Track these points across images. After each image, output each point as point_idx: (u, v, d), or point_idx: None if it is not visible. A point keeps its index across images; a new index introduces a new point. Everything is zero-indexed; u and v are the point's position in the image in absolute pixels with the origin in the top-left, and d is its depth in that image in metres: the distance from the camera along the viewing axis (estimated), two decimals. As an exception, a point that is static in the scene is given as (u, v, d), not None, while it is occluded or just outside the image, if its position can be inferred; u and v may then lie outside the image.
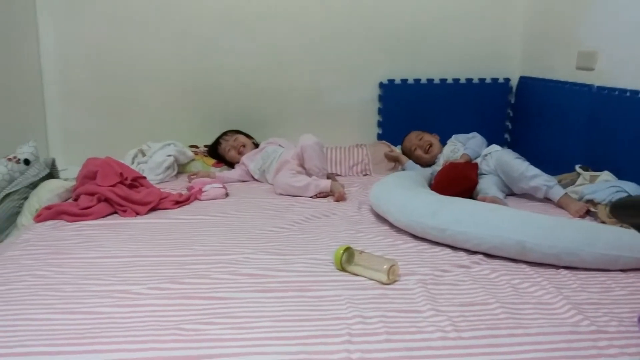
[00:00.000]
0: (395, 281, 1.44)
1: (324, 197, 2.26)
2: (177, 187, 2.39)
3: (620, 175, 2.10)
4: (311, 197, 2.25)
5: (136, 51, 2.77)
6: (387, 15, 2.85)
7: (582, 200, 2.04)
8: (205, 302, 1.31)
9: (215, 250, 1.66)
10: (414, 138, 2.67)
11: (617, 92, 2.13)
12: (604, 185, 2.00)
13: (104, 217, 1.99)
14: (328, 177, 2.40)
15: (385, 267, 1.43)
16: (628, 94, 2.07)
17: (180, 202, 2.14)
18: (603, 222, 1.87)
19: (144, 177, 2.26)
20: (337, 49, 2.87)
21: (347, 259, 1.51)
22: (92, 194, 2.03)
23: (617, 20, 2.18)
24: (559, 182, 2.31)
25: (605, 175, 2.14)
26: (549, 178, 2.15)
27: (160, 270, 1.51)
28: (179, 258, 1.60)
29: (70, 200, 2.11)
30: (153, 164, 2.51)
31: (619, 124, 2.11)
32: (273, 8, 2.79)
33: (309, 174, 2.36)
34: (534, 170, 2.15)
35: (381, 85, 2.92)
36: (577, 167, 2.31)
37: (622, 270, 1.52)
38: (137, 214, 2.02)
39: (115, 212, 2.03)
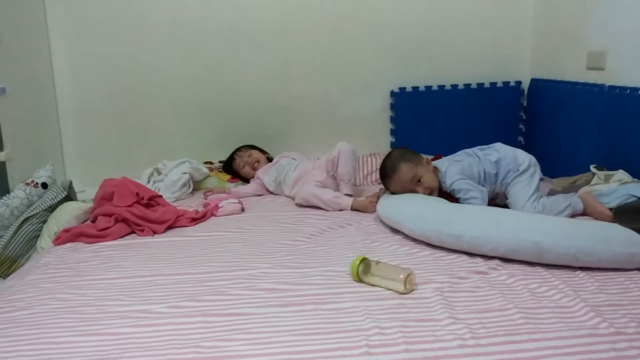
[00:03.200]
0: (412, 290, 1.45)
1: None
2: (193, 204, 2.42)
3: (635, 173, 2.08)
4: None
5: (148, 69, 2.83)
6: (396, 24, 2.87)
7: None
8: (225, 319, 1.33)
9: (232, 266, 1.68)
10: (408, 182, 2.05)
11: (628, 91, 2.12)
12: (616, 192, 1.98)
13: (122, 237, 2.02)
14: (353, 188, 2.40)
15: (401, 276, 1.44)
16: (640, 92, 2.06)
17: (196, 219, 2.17)
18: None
19: (160, 196, 2.30)
20: (346, 59, 2.89)
21: (363, 270, 1.52)
22: (109, 215, 2.06)
23: (625, 19, 2.17)
24: (574, 182, 2.30)
25: (620, 174, 2.13)
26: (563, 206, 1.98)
27: (179, 288, 1.53)
28: (197, 275, 1.62)
29: (88, 222, 2.15)
30: (169, 182, 2.55)
31: (632, 122, 2.10)
32: (281, 21, 2.82)
33: (339, 180, 2.35)
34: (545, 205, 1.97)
35: (393, 93, 2.93)
36: (592, 167, 2.29)
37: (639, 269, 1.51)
38: (155, 232, 2.05)
39: (133, 232, 2.06)
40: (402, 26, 2.87)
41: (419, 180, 2.01)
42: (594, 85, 2.35)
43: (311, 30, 2.85)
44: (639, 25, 2.08)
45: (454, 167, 2.04)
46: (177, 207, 2.25)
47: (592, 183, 2.21)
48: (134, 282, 1.59)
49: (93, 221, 2.12)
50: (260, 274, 1.60)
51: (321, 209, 2.27)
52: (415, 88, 2.93)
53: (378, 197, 2.21)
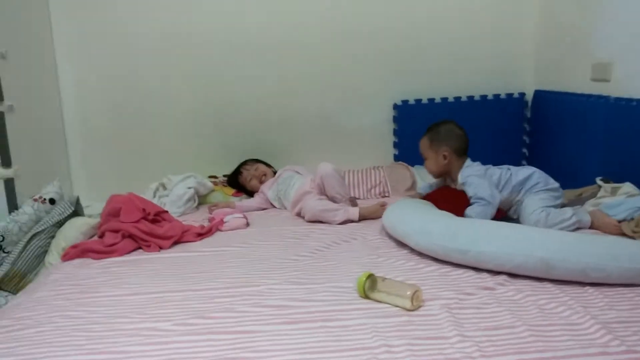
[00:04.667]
0: (420, 307, 1.44)
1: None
2: (198, 219, 2.42)
3: (641, 186, 2.08)
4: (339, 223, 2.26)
5: (151, 85, 2.85)
6: (398, 36, 2.88)
7: None
8: (232, 337, 1.32)
9: (239, 282, 1.67)
10: None
11: (634, 103, 2.12)
12: (624, 205, 1.97)
13: (129, 253, 2.02)
14: (351, 202, 2.42)
15: (408, 293, 1.43)
16: (645, 104, 2.06)
17: (202, 234, 2.17)
18: (628, 237, 1.85)
19: (166, 212, 2.31)
20: (348, 73, 2.91)
21: (370, 286, 1.51)
22: (116, 231, 2.07)
23: (630, 30, 2.17)
24: (580, 195, 2.29)
25: (627, 186, 2.12)
26: (569, 214, 1.99)
27: (186, 305, 1.53)
28: (204, 292, 1.62)
29: (95, 238, 2.16)
30: (174, 197, 2.56)
31: (638, 134, 2.09)
32: (282, 36, 2.84)
33: (333, 201, 2.38)
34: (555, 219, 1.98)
35: (395, 106, 2.94)
36: (598, 180, 2.28)
37: (650, 285, 1.50)
38: (161, 248, 2.05)
39: (140, 248, 2.06)
40: (404, 39, 2.88)
41: (425, 158, 2.22)
42: (599, 96, 2.34)
43: (312, 44, 2.86)
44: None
45: (474, 166, 2.15)
46: (183, 222, 2.25)
47: (598, 196, 2.21)
48: (142, 299, 1.59)
49: (100, 237, 2.13)
50: (267, 290, 1.60)
51: (326, 222, 2.27)
52: (418, 100, 2.94)
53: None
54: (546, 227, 1.93)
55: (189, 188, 2.59)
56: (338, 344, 1.26)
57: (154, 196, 2.61)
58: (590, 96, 2.42)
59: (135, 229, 2.06)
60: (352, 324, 1.36)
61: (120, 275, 1.81)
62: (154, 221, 2.19)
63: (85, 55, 2.80)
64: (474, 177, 2.08)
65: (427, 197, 2.21)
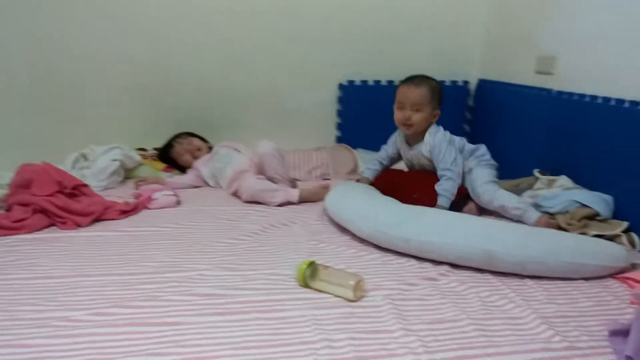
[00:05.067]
0: (362, 297, 1.37)
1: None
2: (123, 194, 2.22)
3: (577, 179, 2.12)
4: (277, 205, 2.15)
5: (79, 44, 2.56)
6: (348, 16, 2.78)
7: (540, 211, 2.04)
8: (156, 329, 1.19)
9: (166, 267, 1.53)
10: None
11: (576, 97, 2.14)
12: (559, 197, 2.00)
13: (40, 230, 1.81)
14: (291, 183, 2.31)
15: (351, 283, 1.36)
16: (587, 99, 2.08)
17: (127, 212, 1.99)
18: (563, 229, 1.87)
19: (86, 185, 2.09)
20: (295, 49, 2.77)
21: (310, 275, 1.42)
22: (26, 205, 1.84)
23: (576, 25, 2.19)
24: (517, 186, 2.32)
25: (563, 179, 2.16)
26: (518, 201, 1.99)
27: (105, 291, 1.37)
28: (126, 277, 1.46)
29: (1, 212, 1.92)
30: (96, 170, 2.33)
31: (578, 128, 2.13)
32: (229, 4, 2.65)
33: (272, 182, 2.27)
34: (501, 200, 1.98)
35: (341, 86, 2.85)
36: (536, 172, 2.32)
37: (585, 279, 1.51)
38: (79, 225, 1.85)
39: (54, 225, 1.85)
40: (353, 19, 2.79)
41: (417, 110, 1.99)
42: (542, 89, 2.37)
43: (259, 16, 2.70)
44: (589, 33, 2.10)
45: (441, 130, 2.08)
46: (105, 198, 2.05)
47: (535, 187, 2.24)
48: (53, 284, 1.41)
49: (7, 210, 1.89)
50: (197, 277, 1.47)
51: (264, 203, 2.15)
52: (364, 82, 2.87)
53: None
54: (492, 200, 1.98)
55: (114, 160, 2.38)
56: (275, 338, 1.17)
57: (73, 167, 2.37)
58: (533, 88, 2.44)
59: (49, 203, 1.84)
60: (290, 315, 1.27)
61: (28, 255, 1.60)
62: (71, 195, 1.97)
63: (3, 12, 2.47)
64: (444, 143, 2.02)
65: (375, 184, 2.12)
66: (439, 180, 1.99)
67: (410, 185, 2.02)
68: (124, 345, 1.13)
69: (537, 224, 1.88)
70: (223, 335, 1.18)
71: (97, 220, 1.91)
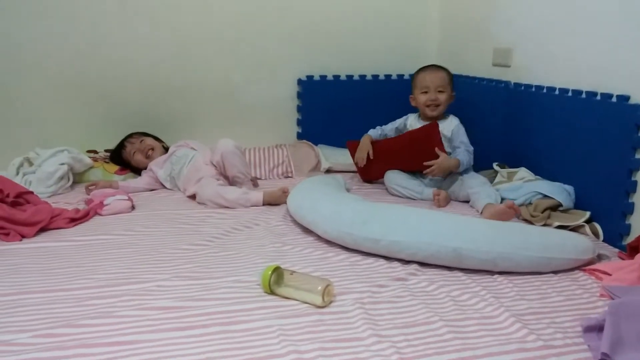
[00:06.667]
0: (331, 302, 1.31)
1: None
2: (72, 200, 2.09)
3: (536, 171, 2.13)
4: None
5: (18, 42, 2.39)
6: (305, 10, 2.71)
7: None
8: (109, 350, 1.09)
9: (120, 279, 1.42)
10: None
11: (533, 89, 2.15)
12: (522, 189, 2.00)
13: (-21, 243, 1.67)
14: (253, 182, 2.24)
15: (319, 288, 1.29)
16: (544, 90, 2.09)
17: (76, 220, 1.86)
18: (527, 221, 1.87)
19: (31, 192, 1.95)
20: (252, 43, 2.68)
21: (276, 280, 1.35)
22: (-37, 216, 1.69)
23: (530, 17, 2.19)
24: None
25: (523, 172, 2.17)
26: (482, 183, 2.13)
27: (52, 310, 1.26)
28: (76, 292, 1.35)
29: None
30: (43, 175, 2.18)
31: (536, 120, 2.13)
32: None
33: (234, 182, 2.18)
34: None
35: (300, 81, 2.77)
36: (495, 165, 2.32)
37: (554, 272, 1.50)
38: (23, 236, 1.72)
39: (-5, 236, 1.71)
40: (311, 12, 2.72)
41: (440, 91, 2.25)
42: (500, 81, 2.37)
43: (212, 8, 2.59)
44: (543, 24, 2.11)
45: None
46: (53, 205, 1.92)
47: (495, 181, 2.23)
48: (-8, 304, 1.28)
49: (-59, 223, 1.73)
50: (154, 288, 1.37)
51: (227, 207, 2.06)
52: (323, 77, 2.80)
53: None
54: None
55: (62, 164, 2.23)
56: (240, 353, 1.09)
57: (17, 174, 2.21)
58: (491, 81, 2.44)
59: (-11, 214, 1.70)
60: (255, 326, 1.19)
61: (-35, 272, 1.46)
62: (14, 204, 1.83)
63: None
64: (461, 125, 2.28)
65: (380, 144, 2.32)
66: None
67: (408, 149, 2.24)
68: (73, 370, 1.03)
69: (482, 215, 1.94)
70: (184, 352, 1.09)
71: (44, 229, 1.78)
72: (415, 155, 2.19)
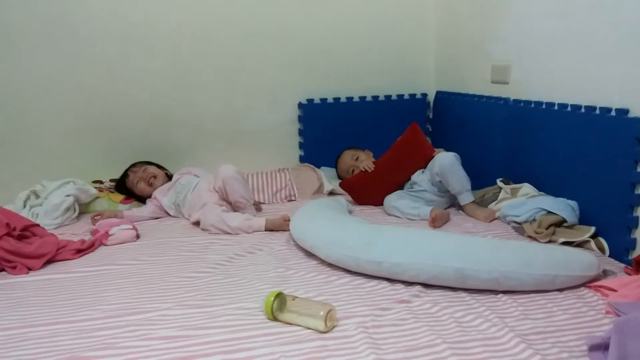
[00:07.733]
0: (334, 327, 1.31)
1: None
2: (79, 231, 2.11)
3: (539, 186, 2.12)
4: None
5: (24, 77, 2.45)
6: (304, 35, 2.76)
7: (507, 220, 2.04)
8: (113, 382, 1.10)
9: (125, 309, 1.43)
10: (349, 159, 2.52)
11: (532, 105, 2.16)
12: (526, 206, 2.00)
13: (-14, 277, 1.69)
14: (256, 207, 2.26)
15: (322, 313, 1.29)
16: (543, 106, 2.09)
17: (82, 251, 1.88)
18: (532, 238, 1.86)
19: (37, 225, 1.97)
20: (251, 69, 2.72)
21: (278, 307, 1.35)
22: (-30, 251, 1.71)
23: (527, 33, 2.21)
24: (483, 196, 2.31)
25: (526, 187, 2.16)
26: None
27: (55, 342, 1.27)
28: (81, 324, 1.36)
29: (-57, 260, 1.78)
30: (49, 207, 2.21)
31: (536, 135, 2.13)
32: (179, 25, 2.59)
33: (236, 207, 2.19)
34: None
35: (300, 105, 2.81)
36: (498, 181, 2.31)
37: (560, 290, 1.49)
38: (30, 269, 1.74)
39: (3, 270, 1.73)
40: (310, 38, 2.77)
41: (356, 159, 2.46)
42: (499, 98, 2.38)
43: (211, 38, 2.64)
44: (540, 40, 2.12)
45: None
46: (59, 236, 1.94)
47: (499, 198, 2.23)
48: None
49: (-51, 258, 1.75)
50: (157, 318, 1.38)
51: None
52: (324, 100, 2.83)
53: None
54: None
55: (68, 196, 2.25)
56: (243, 382, 1.09)
57: (24, 206, 2.24)
58: (490, 98, 2.45)
59: (-4, 247, 1.72)
60: (259, 354, 1.19)
61: (-29, 307, 1.48)
62: (21, 237, 1.85)
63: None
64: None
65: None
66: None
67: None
68: (76, 404, 1.04)
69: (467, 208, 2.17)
70: (186, 383, 1.09)
71: (51, 261, 1.80)
72: (405, 161, 2.33)
